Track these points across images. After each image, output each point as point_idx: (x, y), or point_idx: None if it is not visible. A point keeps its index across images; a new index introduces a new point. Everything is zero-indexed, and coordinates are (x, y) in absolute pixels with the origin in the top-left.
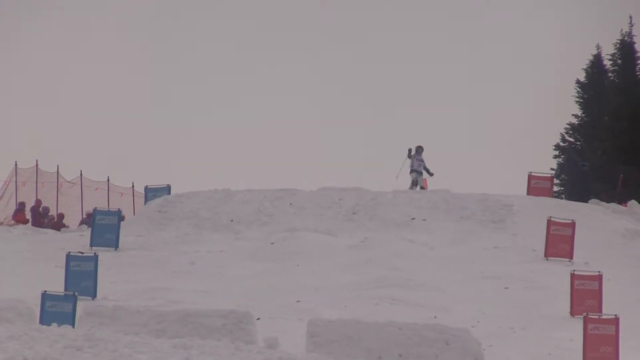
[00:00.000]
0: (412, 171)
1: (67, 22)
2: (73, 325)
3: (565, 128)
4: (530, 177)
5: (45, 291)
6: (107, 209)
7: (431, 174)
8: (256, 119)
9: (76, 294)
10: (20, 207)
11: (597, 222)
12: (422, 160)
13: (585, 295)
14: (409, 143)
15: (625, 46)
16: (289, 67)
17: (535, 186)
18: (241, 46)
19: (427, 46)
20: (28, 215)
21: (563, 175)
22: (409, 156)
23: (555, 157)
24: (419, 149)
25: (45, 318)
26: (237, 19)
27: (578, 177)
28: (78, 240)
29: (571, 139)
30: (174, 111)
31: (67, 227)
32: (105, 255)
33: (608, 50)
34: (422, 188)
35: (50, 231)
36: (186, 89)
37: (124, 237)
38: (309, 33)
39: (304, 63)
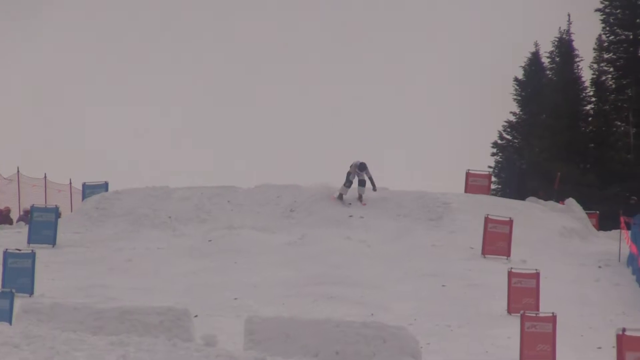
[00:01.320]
0: (358, 183)
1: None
2: (10, 322)
3: (503, 126)
4: (468, 174)
5: None
6: (44, 206)
7: (374, 189)
8: (193, 116)
9: (13, 291)
10: None
11: (534, 219)
12: (363, 173)
13: (523, 293)
14: (347, 141)
15: (563, 44)
16: (227, 64)
17: (473, 184)
18: (174, 41)
19: (364, 45)
20: None
21: (502, 174)
22: (349, 176)
23: (493, 154)
24: (361, 166)
25: None
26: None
27: (515, 176)
28: (15, 237)
29: (509, 137)
30: (111, 108)
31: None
32: (42, 252)
33: (546, 48)
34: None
35: None
36: (121, 86)
37: (62, 234)
38: (244, 28)
39: (243, 59)
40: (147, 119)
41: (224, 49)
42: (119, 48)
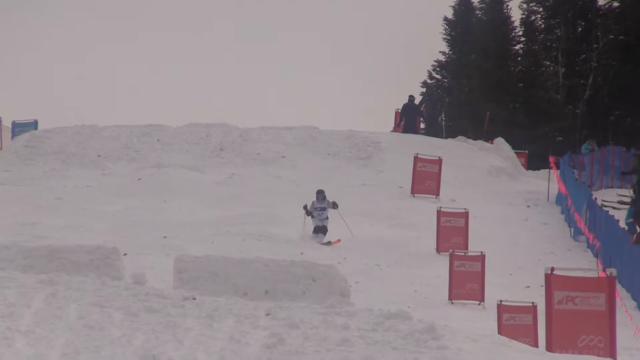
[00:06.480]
0: (316, 230)
1: None
2: None
3: (433, 65)
4: (397, 113)
5: None
6: None
7: (336, 207)
8: (124, 53)
9: None
10: None
11: (463, 159)
12: (324, 208)
13: (452, 232)
14: (280, 76)
15: None
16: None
17: (403, 123)
18: None
19: None
20: None
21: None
22: (307, 213)
23: (422, 94)
24: (319, 195)
25: None
26: None
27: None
28: None
29: (438, 76)
30: (42, 45)
31: None
32: None
33: None
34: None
35: None
36: (53, 23)
37: None
38: None
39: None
40: (77, 59)
41: None
42: None
